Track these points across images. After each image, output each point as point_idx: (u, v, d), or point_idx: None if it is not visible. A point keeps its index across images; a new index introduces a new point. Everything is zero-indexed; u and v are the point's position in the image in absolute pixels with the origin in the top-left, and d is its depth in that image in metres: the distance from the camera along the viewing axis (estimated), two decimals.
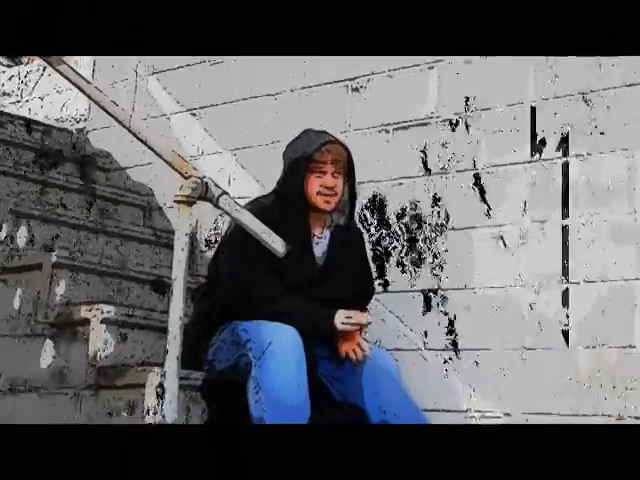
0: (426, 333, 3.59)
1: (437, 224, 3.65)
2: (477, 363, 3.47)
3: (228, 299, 3.06)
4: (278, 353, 2.86)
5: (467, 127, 3.64)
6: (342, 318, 3.04)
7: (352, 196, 3.25)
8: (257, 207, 3.09)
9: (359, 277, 3.30)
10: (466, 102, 3.65)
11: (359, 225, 3.61)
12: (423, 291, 3.62)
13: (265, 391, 2.84)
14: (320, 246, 3.21)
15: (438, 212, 3.65)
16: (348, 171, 3.20)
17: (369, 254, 3.58)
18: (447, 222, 3.63)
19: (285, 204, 3.13)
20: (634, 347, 3.18)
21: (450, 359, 3.52)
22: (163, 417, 2.81)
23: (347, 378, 3.11)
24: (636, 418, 3.13)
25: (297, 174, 3.13)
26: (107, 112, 3.10)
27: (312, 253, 3.18)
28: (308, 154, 3.12)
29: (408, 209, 3.71)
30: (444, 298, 3.58)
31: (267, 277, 3.02)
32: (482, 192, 3.57)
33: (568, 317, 3.31)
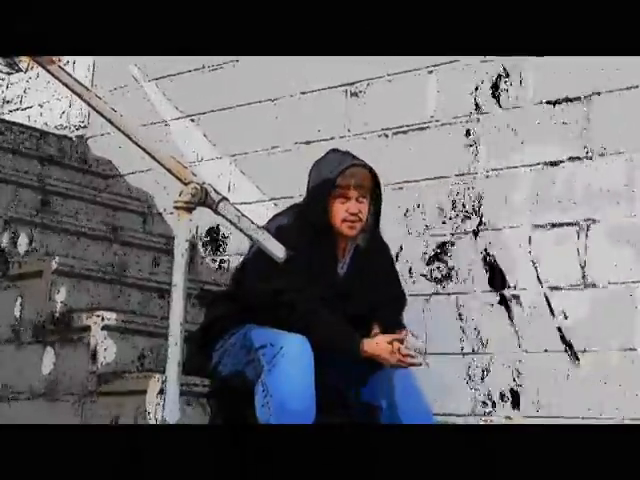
0: (427, 337, 3.59)
1: (438, 228, 3.65)
2: (477, 366, 3.48)
3: (265, 312, 3.02)
4: (288, 359, 2.87)
5: (467, 131, 3.64)
6: (390, 350, 3.00)
7: (377, 217, 3.20)
8: (282, 232, 3.01)
9: (386, 292, 3.23)
10: (465, 106, 3.65)
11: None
12: (428, 295, 3.63)
13: (273, 395, 2.85)
14: (341, 265, 3.17)
15: (440, 217, 3.65)
16: (373, 193, 3.15)
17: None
18: (449, 226, 3.63)
19: (311, 229, 3.08)
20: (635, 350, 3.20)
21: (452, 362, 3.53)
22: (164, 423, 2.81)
23: (360, 377, 3.12)
24: None
25: (321, 201, 3.08)
26: (106, 119, 3.10)
27: (336, 276, 3.15)
28: (331, 180, 3.07)
29: (409, 214, 3.71)
30: (449, 302, 3.59)
31: (308, 292, 3.00)
32: (481, 197, 3.57)
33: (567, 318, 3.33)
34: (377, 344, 3.01)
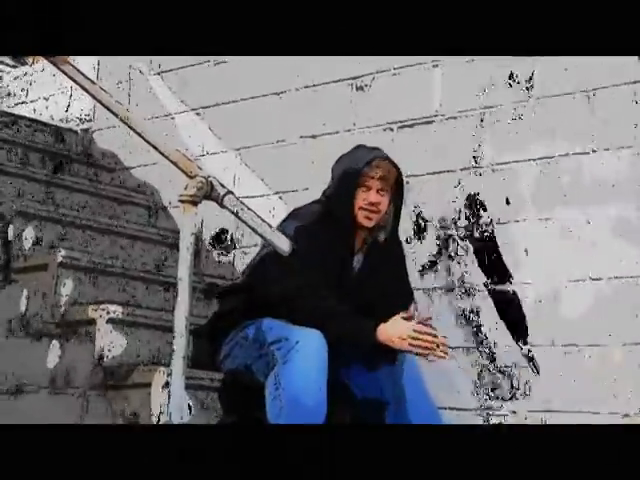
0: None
1: (443, 223, 3.65)
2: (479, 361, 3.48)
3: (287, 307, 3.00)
4: (304, 354, 2.86)
5: (473, 125, 3.64)
6: (408, 334, 2.92)
7: (397, 215, 3.21)
8: (303, 229, 3.03)
9: (394, 289, 3.21)
10: (470, 100, 3.65)
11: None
12: (431, 289, 3.63)
13: (285, 389, 2.85)
14: (357, 259, 3.17)
15: (444, 211, 3.65)
16: (395, 190, 3.16)
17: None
18: (454, 221, 3.63)
19: (332, 219, 3.09)
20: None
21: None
22: (169, 417, 2.82)
23: (368, 373, 3.12)
24: None
25: (346, 189, 3.09)
26: (112, 112, 3.10)
27: (351, 269, 3.15)
28: (358, 169, 3.08)
29: (414, 208, 3.71)
30: (453, 296, 3.59)
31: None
32: (486, 190, 3.57)
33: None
34: (393, 324, 2.94)
